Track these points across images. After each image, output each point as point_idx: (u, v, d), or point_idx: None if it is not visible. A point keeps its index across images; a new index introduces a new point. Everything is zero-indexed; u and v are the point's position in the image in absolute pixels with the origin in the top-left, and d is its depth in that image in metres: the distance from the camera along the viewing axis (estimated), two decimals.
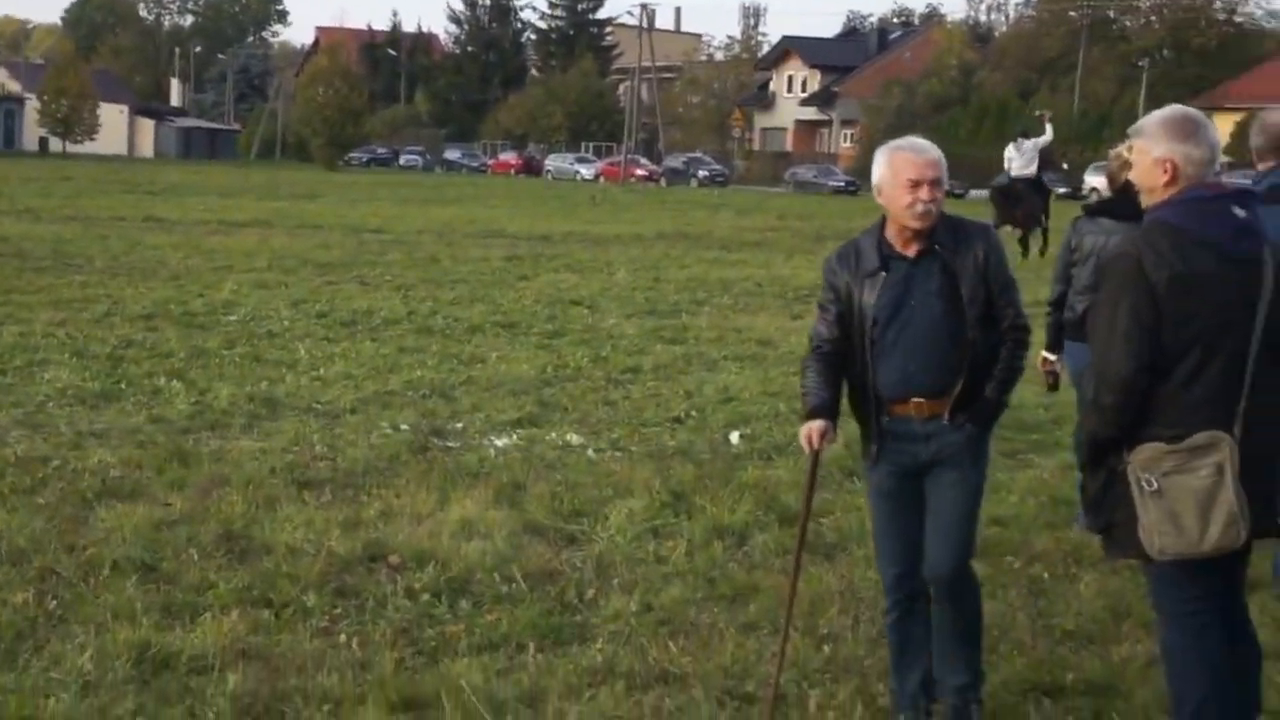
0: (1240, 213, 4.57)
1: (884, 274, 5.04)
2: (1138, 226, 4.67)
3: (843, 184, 71.72)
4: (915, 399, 5.05)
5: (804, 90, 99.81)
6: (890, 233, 5.10)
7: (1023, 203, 25.43)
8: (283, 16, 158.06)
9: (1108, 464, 4.58)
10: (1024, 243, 25.38)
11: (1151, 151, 4.59)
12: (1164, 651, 4.77)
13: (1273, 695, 4.98)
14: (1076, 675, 5.67)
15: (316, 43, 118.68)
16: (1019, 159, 25.86)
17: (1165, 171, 4.57)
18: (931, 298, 5.02)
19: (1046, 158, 26.60)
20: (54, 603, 6.13)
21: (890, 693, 5.30)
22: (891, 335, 5.03)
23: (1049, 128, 27.12)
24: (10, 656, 5.56)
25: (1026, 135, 27.14)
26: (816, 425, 5.04)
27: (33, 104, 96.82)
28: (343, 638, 5.90)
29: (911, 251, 5.06)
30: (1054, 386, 8.22)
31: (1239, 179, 12.53)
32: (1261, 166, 6.81)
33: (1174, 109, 4.73)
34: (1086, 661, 5.85)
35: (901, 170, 5.00)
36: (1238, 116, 52.87)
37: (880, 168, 5.07)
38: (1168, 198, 4.57)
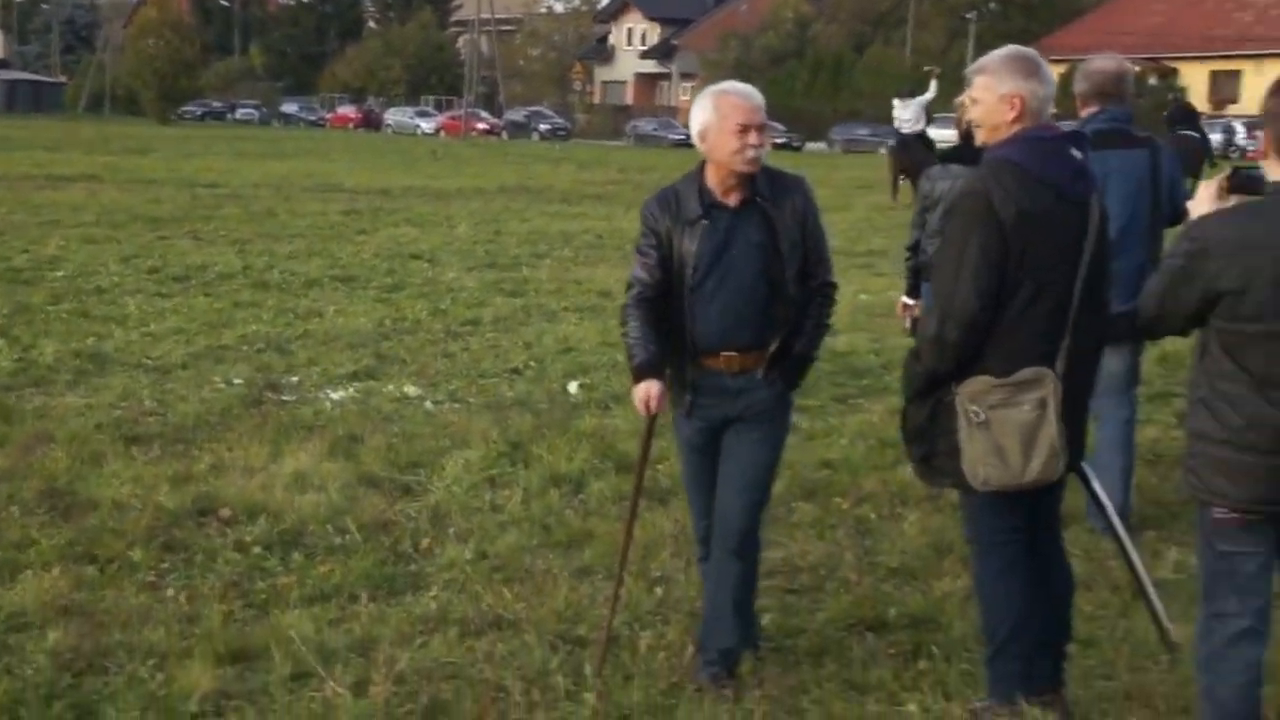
0: (1077, 154, 4.70)
1: (705, 222, 4.98)
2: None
3: (683, 137, 71.92)
4: (727, 353, 5.03)
5: (644, 43, 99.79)
6: (711, 180, 5.03)
7: (916, 156, 26.03)
8: None
9: (935, 395, 4.68)
10: None
11: (998, 88, 4.67)
12: (977, 582, 4.92)
13: (1081, 624, 5.15)
14: (899, 610, 5.80)
15: None
16: (908, 116, 26.74)
17: (1012, 108, 4.65)
18: (752, 249, 4.99)
19: (929, 113, 27.69)
20: None
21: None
22: (711, 286, 4.98)
23: (934, 84, 27.88)
24: None
25: (913, 93, 27.86)
26: (653, 388, 4.97)
27: None
28: (170, 592, 5.82)
29: (733, 201, 5.01)
30: (913, 331, 8.36)
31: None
32: (1085, 112, 6.98)
33: (1014, 48, 4.84)
34: (909, 596, 6.00)
35: (730, 115, 4.93)
36: (1061, 68, 53.89)
37: (705, 112, 4.97)
38: (1011, 135, 4.65)
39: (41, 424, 8.41)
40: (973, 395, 4.57)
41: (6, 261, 15.86)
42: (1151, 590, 5.36)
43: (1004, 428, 4.55)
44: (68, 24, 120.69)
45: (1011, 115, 4.65)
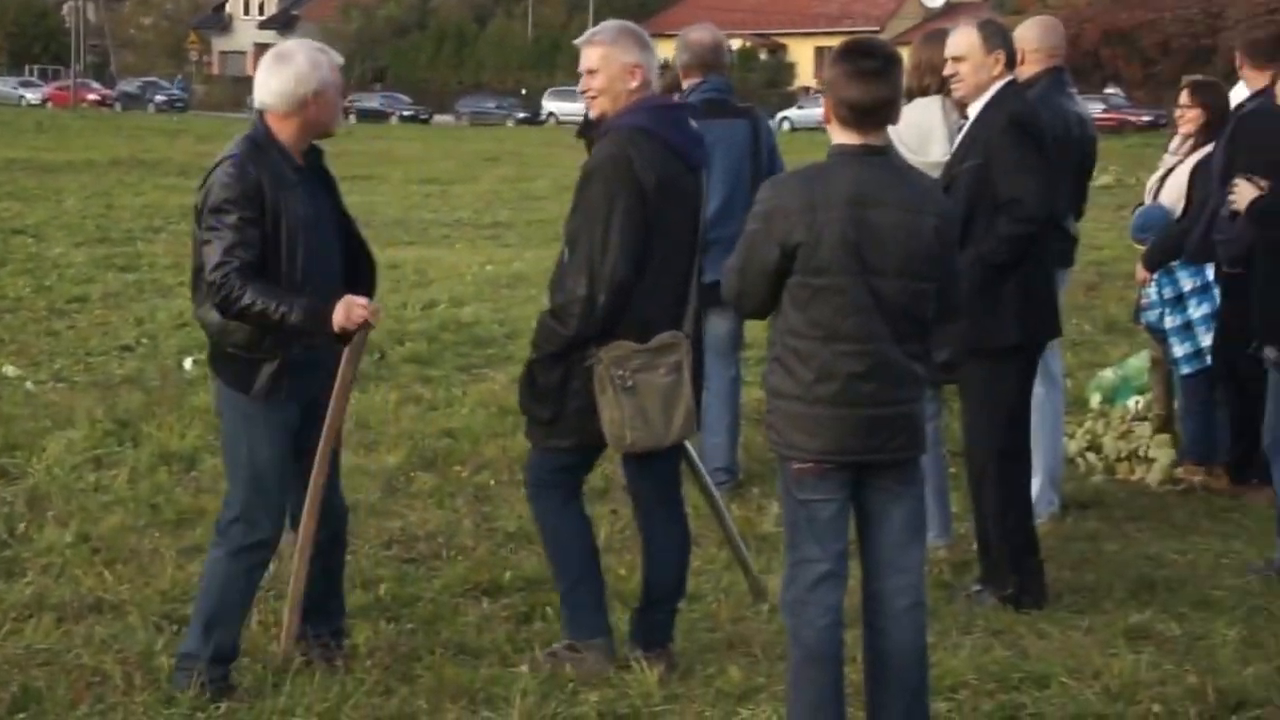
0: (693, 123, 4.84)
1: (299, 187, 4.66)
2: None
3: None
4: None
5: (262, 13, 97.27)
6: (291, 144, 4.67)
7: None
8: None
9: (570, 358, 4.71)
10: None
11: (622, 58, 4.75)
12: (541, 523, 5.04)
13: (689, 579, 5.29)
14: (515, 573, 5.85)
15: None
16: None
17: (634, 77, 4.77)
18: (335, 214, 4.83)
19: None
20: None
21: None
22: (306, 255, 4.60)
23: None
24: None
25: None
26: (358, 300, 4.54)
27: None
28: None
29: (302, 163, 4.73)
30: None
31: None
32: (688, 83, 7.16)
33: (622, 22, 5.01)
34: (525, 560, 6.05)
35: (339, 79, 4.71)
36: (674, 43, 55.33)
37: (321, 72, 4.62)
38: (636, 104, 4.75)
39: None
40: (616, 360, 4.65)
41: None
42: (740, 543, 5.58)
43: (647, 391, 4.66)
44: None
45: (635, 84, 4.79)
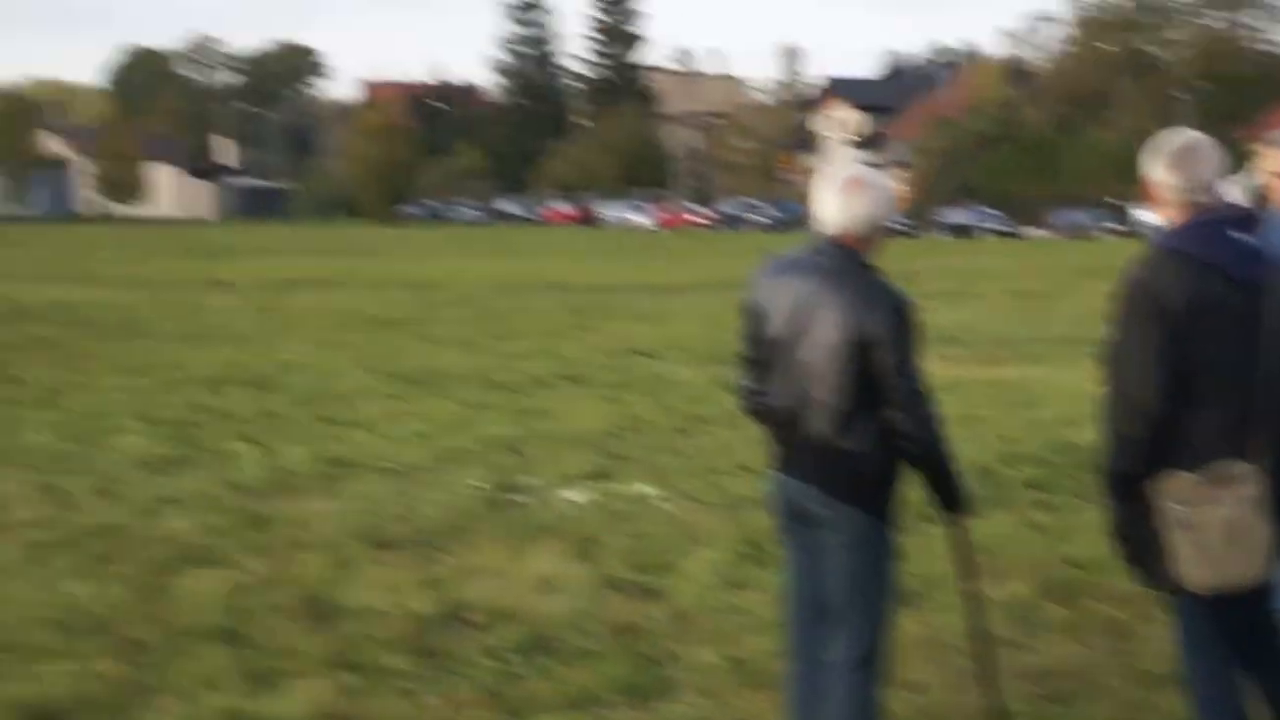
0: (1244, 235, 4.56)
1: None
2: None
3: (900, 226, 71.36)
4: None
5: (848, 133, 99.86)
6: None
7: None
8: (322, 70, 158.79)
9: (1133, 495, 4.53)
10: None
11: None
12: (1187, 683, 4.77)
13: None
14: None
15: (363, 97, 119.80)
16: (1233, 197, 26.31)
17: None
18: None
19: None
20: (140, 672, 6.15)
21: None
22: None
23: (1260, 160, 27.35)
24: None
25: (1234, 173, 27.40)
26: None
27: (79, 167, 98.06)
28: (430, 699, 5.90)
29: None
30: None
31: None
32: None
33: None
34: (1175, 706, 5.77)
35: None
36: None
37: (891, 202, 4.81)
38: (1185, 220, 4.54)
39: (293, 531, 8.67)
40: (1170, 494, 4.44)
41: (248, 368, 16.46)
42: None
43: (1208, 526, 4.40)
44: (289, 130, 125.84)
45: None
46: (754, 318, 4.89)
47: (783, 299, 4.76)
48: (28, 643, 6.46)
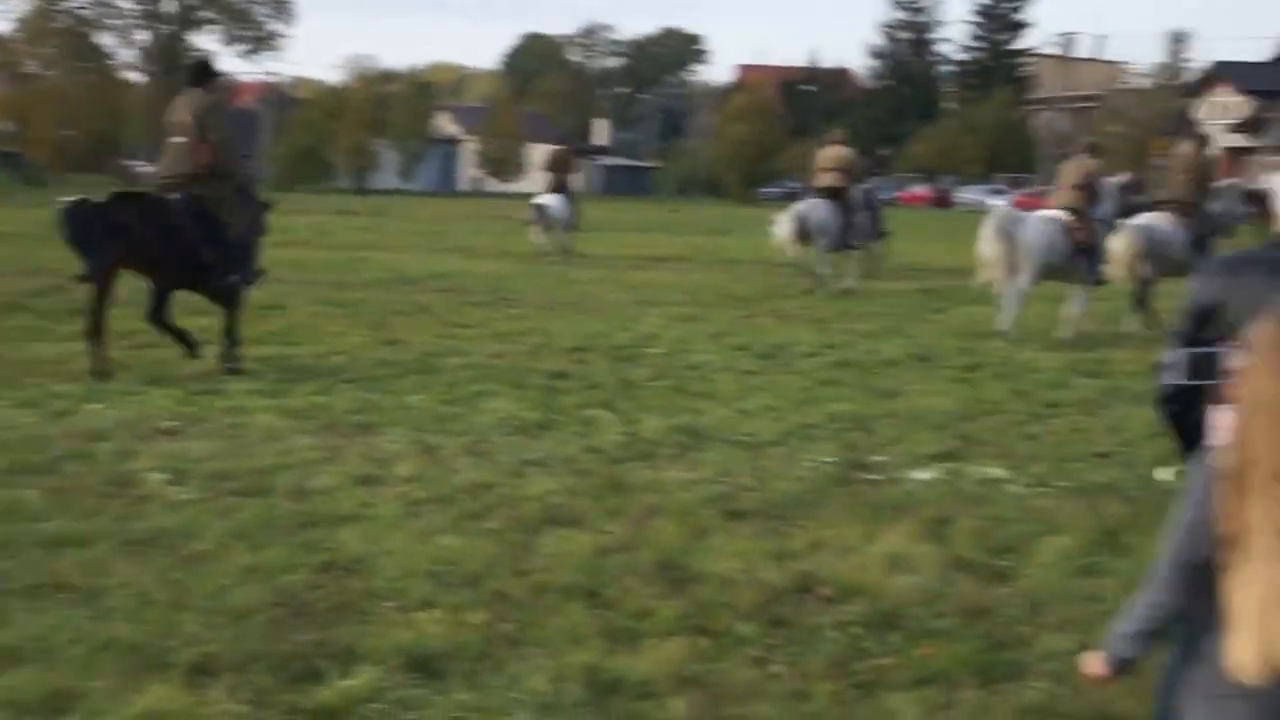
0: None
1: None
2: None
3: None
4: None
5: (1226, 117, 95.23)
6: None
7: None
8: (704, 56, 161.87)
9: None
10: None
11: None
12: None
13: None
14: None
15: (737, 81, 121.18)
16: None
17: None
18: None
19: None
20: (508, 625, 6.45)
21: None
22: None
23: None
24: (472, 675, 5.88)
25: None
26: None
27: (467, 146, 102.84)
28: (777, 668, 6.03)
29: None
30: None
31: None
32: None
33: None
34: None
35: None
36: None
37: None
38: None
39: (650, 496, 8.94)
40: None
41: (609, 339, 16.95)
42: None
43: None
44: (663, 112, 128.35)
45: None
46: (1205, 318, 4.58)
47: (1245, 298, 4.43)
48: (407, 593, 6.87)
